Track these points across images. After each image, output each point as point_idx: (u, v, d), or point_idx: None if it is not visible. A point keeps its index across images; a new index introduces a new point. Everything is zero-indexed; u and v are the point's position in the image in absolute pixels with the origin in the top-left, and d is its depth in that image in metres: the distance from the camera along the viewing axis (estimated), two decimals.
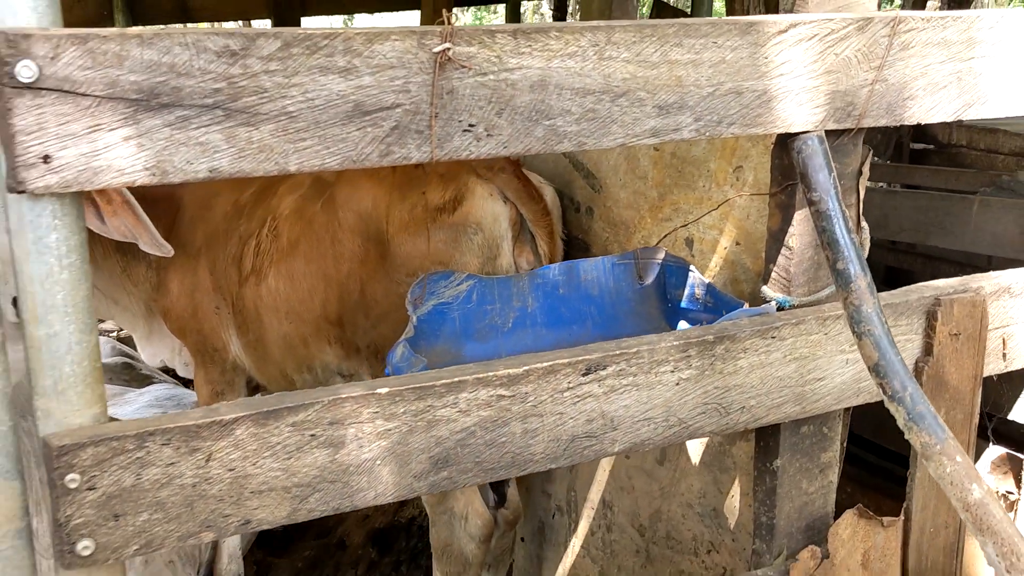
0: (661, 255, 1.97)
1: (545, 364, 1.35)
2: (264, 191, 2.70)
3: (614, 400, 1.40)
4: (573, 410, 1.38)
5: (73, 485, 1.11)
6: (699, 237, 2.05)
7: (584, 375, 1.38)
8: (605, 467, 2.39)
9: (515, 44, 1.21)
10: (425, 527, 2.78)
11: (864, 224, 1.61)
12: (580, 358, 1.37)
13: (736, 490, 1.99)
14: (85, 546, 1.14)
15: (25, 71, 0.96)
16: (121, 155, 1.02)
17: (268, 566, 3.54)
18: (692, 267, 1.88)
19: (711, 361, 1.46)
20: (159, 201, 2.72)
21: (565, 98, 1.27)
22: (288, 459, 1.21)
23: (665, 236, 2.07)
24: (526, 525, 2.79)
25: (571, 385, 1.37)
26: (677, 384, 1.44)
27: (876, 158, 4.31)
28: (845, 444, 1.77)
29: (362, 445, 1.25)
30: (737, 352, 1.47)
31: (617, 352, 1.39)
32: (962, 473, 1.13)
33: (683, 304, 1.88)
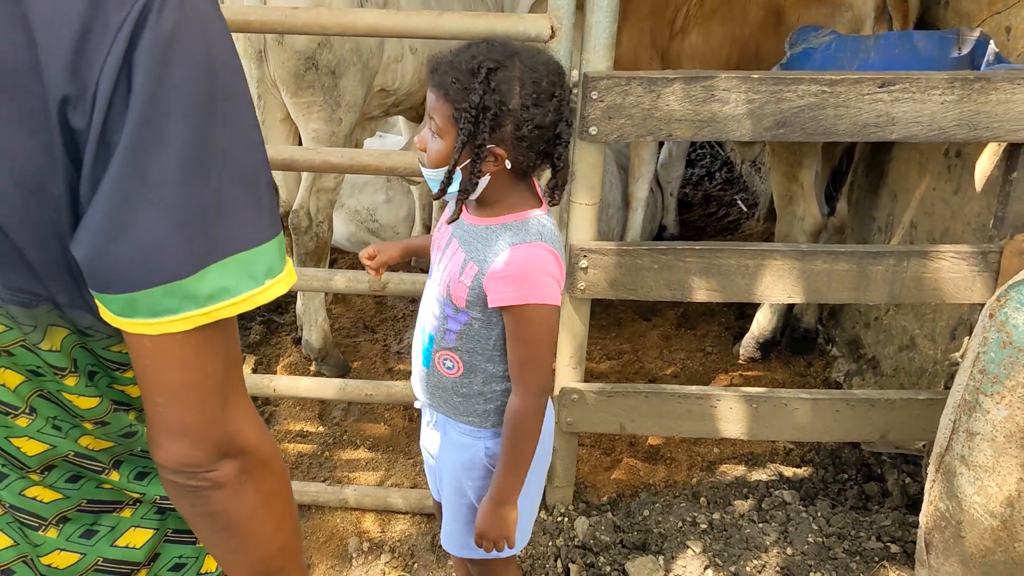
0: (976, 33, 2.68)
1: (855, 76, 2.26)
2: None
3: (896, 106, 2.27)
4: (868, 108, 2.28)
5: (594, 96, 2.28)
6: (1015, 25, 2.72)
7: (880, 87, 2.27)
8: (917, 197, 3.21)
9: None
10: None
11: None
12: (878, 76, 2.26)
13: None
14: (592, 129, 2.32)
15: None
16: None
17: None
18: (991, 40, 2.59)
19: (968, 92, 2.26)
20: None
21: None
22: (695, 105, 2.28)
23: (983, 21, 2.77)
24: (851, 240, 3.69)
25: (869, 91, 2.26)
26: (942, 103, 2.27)
27: None
28: None
29: (736, 105, 2.28)
30: (989, 90, 2.25)
31: (904, 76, 2.26)
32: None
33: (983, 67, 2.61)
